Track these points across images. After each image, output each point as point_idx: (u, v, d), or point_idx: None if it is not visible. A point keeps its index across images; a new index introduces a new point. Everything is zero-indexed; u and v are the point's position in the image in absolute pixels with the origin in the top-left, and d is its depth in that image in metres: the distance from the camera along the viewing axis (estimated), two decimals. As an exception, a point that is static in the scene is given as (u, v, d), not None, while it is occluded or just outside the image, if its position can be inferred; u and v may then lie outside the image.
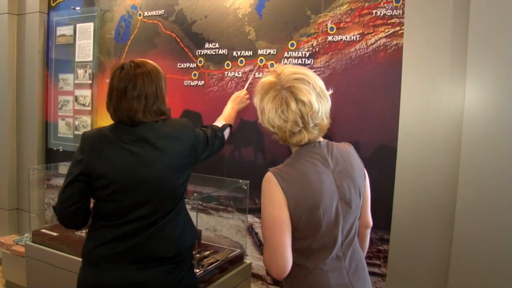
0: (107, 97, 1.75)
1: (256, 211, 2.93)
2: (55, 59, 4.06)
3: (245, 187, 2.82)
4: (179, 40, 3.25)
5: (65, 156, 3.99)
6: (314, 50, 2.67)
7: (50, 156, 4.13)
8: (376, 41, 2.46)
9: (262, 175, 2.71)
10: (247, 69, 2.94)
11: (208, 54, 3.11)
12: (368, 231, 1.75)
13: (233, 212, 3.03)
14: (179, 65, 3.24)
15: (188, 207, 3.24)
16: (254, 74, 2.87)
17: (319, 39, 2.65)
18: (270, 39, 2.84)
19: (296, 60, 2.73)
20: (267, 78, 1.48)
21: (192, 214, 3.18)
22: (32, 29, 4.10)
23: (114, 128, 1.73)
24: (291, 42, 2.75)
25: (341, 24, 2.56)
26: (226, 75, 3.03)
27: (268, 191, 1.40)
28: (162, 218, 1.76)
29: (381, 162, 2.45)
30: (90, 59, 3.75)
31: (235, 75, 2.99)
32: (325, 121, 1.47)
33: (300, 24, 2.72)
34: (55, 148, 4.07)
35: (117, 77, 1.71)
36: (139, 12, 3.46)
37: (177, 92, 3.26)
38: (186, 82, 3.22)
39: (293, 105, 1.38)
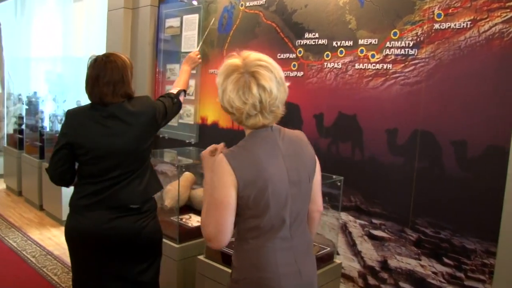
0: (85, 82, 2.10)
1: (351, 209, 2.80)
2: (164, 50, 4.22)
3: (339, 183, 2.69)
4: (279, 30, 3.19)
5: (170, 143, 4.15)
6: (418, 39, 2.45)
7: (157, 143, 4.31)
8: (491, 27, 2.18)
9: (359, 172, 2.63)
10: (347, 60, 2.80)
11: (308, 44, 3.01)
12: (319, 215, 1.79)
13: (328, 209, 2.91)
14: (279, 56, 3.18)
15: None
16: (206, 35, 3.15)
17: (425, 27, 2.42)
18: (371, 28, 2.67)
19: (399, 50, 2.53)
20: (232, 60, 1.54)
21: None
22: (144, 22, 4.30)
23: (91, 107, 2.11)
24: (393, 31, 2.56)
25: (450, 10, 2.32)
26: (325, 66, 2.91)
27: (219, 172, 1.48)
28: (130, 175, 2.14)
29: (490, 164, 2.18)
30: (195, 49, 3.83)
31: (335, 66, 2.86)
32: (280, 109, 1.55)
33: (404, 11, 2.51)
34: (160, 136, 4.24)
35: (91, 67, 2.08)
36: (241, 2, 3.46)
37: (275, 83, 3.21)
38: (285, 73, 3.13)
39: (254, 88, 1.45)
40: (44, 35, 7.03)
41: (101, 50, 5.23)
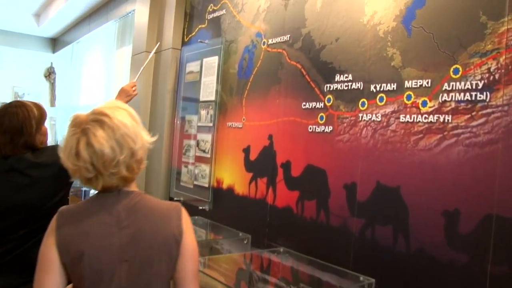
0: None
1: (392, 323, 1.94)
2: (184, 97, 3.64)
3: (369, 290, 1.86)
4: (304, 73, 2.48)
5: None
6: (491, 77, 1.65)
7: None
8: None
9: (403, 270, 2.00)
10: (389, 109, 2.03)
11: (339, 89, 2.28)
12: None
13: (360, 318, 2.07)
14: (304, 105, 2.47)
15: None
16: (146, 63, 2.90)
17: (501, 60, 1.61)
18: (422, 64, 1.90)
19: (462, 94, 1.73)
20: (84, 112, 1.31)
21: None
22: (165, 67, 3.79)
23: None
24: (454, 67, 1.77)
25: (542, 31, 1.51)
26: (360, 119, 2.15)
27: (48, 227, 1.32)
28: (41, 232, 1.80)
29: None
30: (213, 98, 3.21)
31: (373, 119, 2.09)
32: (124, 171, 1.28)
33: (469, 37, 1.73)
34: (175, 198, 3.58)
35: None
36: (264, 40, 2.81)
37: (300, 141, 2.48)
38: (310, 128, 2.42)
39: (83, 150, 1.23)
40: (91, 83, 6.92)
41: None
